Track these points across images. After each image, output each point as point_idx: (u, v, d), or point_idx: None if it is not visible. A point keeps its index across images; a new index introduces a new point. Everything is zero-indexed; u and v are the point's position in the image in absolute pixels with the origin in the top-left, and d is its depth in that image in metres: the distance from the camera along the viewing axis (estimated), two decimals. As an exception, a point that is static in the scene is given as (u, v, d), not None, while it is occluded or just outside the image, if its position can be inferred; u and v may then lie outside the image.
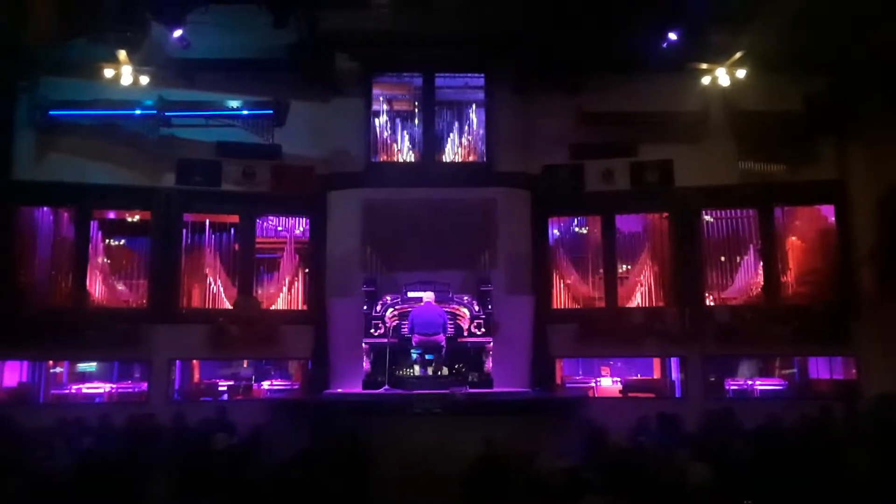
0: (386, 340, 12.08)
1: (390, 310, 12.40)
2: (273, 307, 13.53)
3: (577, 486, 4.73)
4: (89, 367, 13.74)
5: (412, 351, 11.98)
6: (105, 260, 13.33)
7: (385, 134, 13.97)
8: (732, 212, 13.81)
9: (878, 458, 6.67)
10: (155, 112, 12.71)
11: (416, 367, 12.02)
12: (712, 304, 13.43)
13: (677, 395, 13.20)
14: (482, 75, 14.22)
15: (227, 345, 12.80)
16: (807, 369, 13.58)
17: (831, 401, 10.97)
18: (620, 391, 13.59)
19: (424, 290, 12.32)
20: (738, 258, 13.65)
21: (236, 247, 13.71)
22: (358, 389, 12.03)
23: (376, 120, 13.98)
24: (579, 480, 4.84)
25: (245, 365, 14.10)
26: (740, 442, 8.17)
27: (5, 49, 11.67)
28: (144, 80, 12.19)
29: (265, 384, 13.70)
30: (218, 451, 7.33)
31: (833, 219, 13.43)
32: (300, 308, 13.63)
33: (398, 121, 14.15)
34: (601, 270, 13.86)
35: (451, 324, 12.25)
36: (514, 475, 5.64)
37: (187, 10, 11.68)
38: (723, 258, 13.80)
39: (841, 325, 12.63)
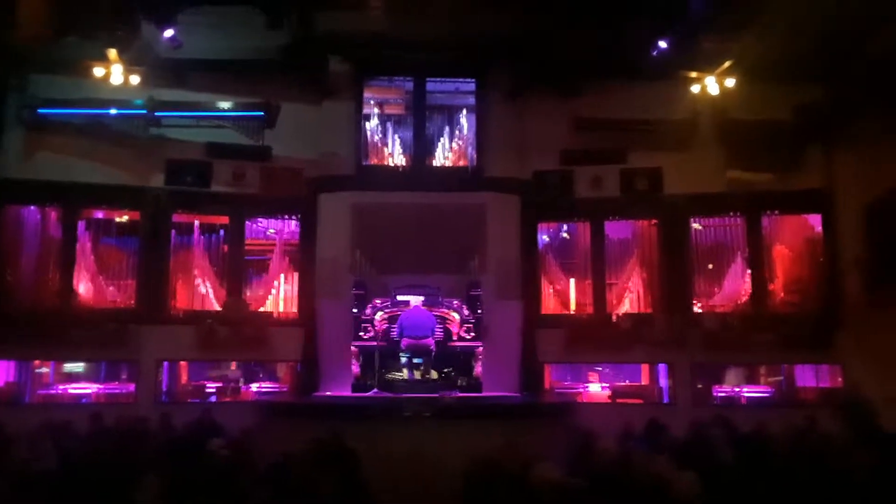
0: (375, 343, 12.09)
1: (380, 313, 12.41)
2: (262, 309, 13.50)
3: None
4: (76, 367, 13.64)
5: (401, 354, 12.02)
6: (93, 260, 13.22)
7: (375, 137, 14.00)
8: (720, 219, 13.89)
9: (859, 463, 6.71)
10: (145, 112, 12.69)
11: (405, 371, 12.07)
12: (700, 311, 13.49)
13: (665, 401, 13.26)
14: (473, 80, 14.30)
15: (215, 346, 12.78)
16: (793, 377, 13.63)
17: (817, 408, 11.03)
18: (609, 397, 13.63)
19: (414, 294, 12.35)
20: (725, 266, 13.72)
21: (225, 248, 13.67)
22: (347, 392, 12.02)
23: (367, 123, 14.03)
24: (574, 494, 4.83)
25: (233, 367, 14.03)
26: (727, 450, 8.20)
27: (-6, 46, 11.59)
28: (135, 79, 12.09)
29: (253, 386, 13.63)
30: (213, 455, 7.28)
31: (820, 227, 13.52)
32: (289, 310, 13.59)
33: (389, 124, 14.21)
34: (590, 276, 13.89)
35: (440, 328, 12.28)
36: (508, 482, 5.65)
37: (179, 10, 11.64)
38: (710, 266, 13.89)
39: (827, 333, 12.71)
